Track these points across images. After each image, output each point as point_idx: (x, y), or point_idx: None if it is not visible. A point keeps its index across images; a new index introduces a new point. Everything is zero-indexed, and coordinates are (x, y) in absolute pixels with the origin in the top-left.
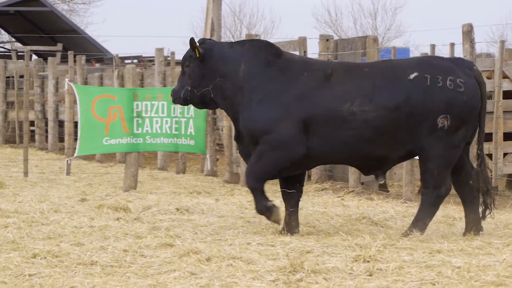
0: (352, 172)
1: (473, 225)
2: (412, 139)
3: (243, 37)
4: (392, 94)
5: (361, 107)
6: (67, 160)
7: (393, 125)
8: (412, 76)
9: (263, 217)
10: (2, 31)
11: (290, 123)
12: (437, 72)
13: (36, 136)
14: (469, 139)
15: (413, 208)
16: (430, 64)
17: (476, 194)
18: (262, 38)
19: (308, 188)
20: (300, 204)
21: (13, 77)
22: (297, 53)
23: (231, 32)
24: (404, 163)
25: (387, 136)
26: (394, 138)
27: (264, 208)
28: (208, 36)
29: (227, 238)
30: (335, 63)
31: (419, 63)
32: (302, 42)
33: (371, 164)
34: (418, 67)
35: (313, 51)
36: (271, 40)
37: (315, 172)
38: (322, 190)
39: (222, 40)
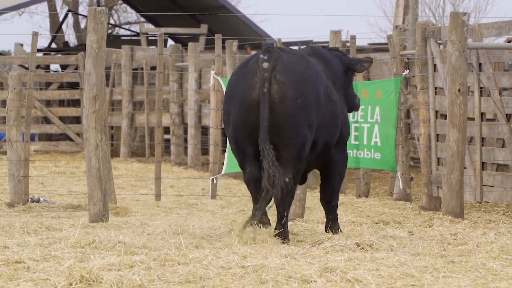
0: None
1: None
2: None
3: (447, 16)
4: None
5: None
6: (212, 179)
7: None
8: None
9: (471, 256)
10: (129, 9)
11: None
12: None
13: (172, 147)
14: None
15: None
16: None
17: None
18: (472, 16)
19: None
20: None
21: (142, 68)
22: None
23: (431, 10)
24: None
25: None
26: None
27: None
28: (400, 15)
29: (423, 283)
30: None
31: None
32: None
33: None
34: None
35: None
36: (484, 20)
37: None
38: None
39: (420, 20)
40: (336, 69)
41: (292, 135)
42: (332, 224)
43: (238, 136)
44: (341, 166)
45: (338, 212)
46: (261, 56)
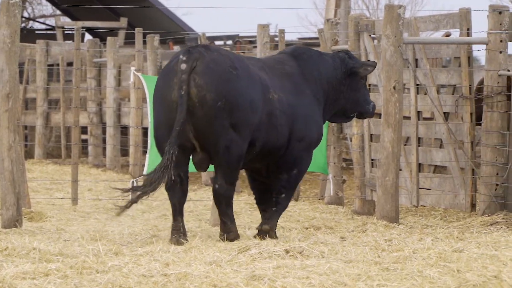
0: None
1: None
2: None
3: (381, 9)
4: None
5: None
6: (133, 182)
7: None
8: None
9: (407, 263)
10: (43, 1)
11: None
12: None
13: (90, 148)
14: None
15: None
16: None
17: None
18: (408, 9)
19: (473, 222)
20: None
21: (58, 65)
22: (457, 31)
23: (365, 2)
24: None
25: None
26: None
27: None
28: (332, 8)
29: None
30: None
31: None
32: (464, 15)
33: None
34: None
35: (480, 28)
36: (420, 13)
37: (482, 199)
38: (491, 224)
39: (353, 13)
40: (319, 70)
41: (214, 140)
42: (272, 218)
43: (160, 139)
44: (301, 162)
45: None
46: (180, 56)
